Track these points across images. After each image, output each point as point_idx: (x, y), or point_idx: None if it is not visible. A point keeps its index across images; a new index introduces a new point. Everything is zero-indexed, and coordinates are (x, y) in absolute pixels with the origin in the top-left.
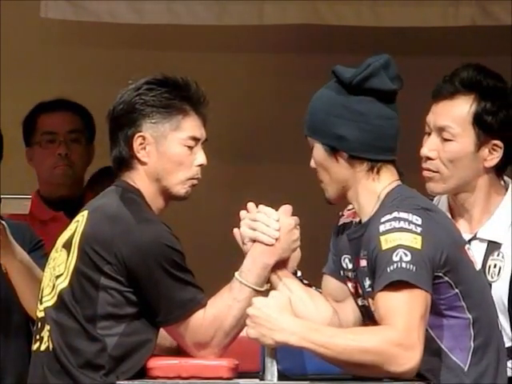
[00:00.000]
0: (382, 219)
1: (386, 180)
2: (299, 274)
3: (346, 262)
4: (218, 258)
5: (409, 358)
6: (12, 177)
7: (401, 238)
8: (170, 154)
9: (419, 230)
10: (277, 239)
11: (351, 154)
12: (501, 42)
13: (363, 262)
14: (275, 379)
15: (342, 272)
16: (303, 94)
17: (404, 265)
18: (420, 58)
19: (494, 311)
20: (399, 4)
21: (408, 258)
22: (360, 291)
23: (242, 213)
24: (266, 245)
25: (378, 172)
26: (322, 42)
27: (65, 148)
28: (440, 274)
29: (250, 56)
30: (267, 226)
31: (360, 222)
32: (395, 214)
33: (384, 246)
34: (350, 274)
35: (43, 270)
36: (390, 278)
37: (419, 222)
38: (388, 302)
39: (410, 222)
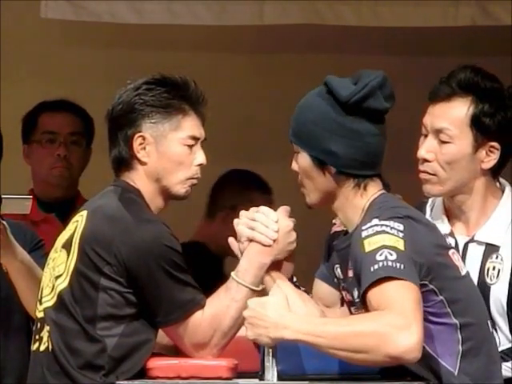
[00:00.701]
0: (364, 227)
1: (371, 192)
2: (295, 279)
3: (338, 272)
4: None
5: (406, 337)
6: (12, 177)
7: (384, 239)
8: (170, 154)
9: (401, 234)
10: (274, 240)
11: (340, 170)
12: (501, 42)
13: (350, 273)
14: (275, 379)
15: (335, 280)
16: (304, 95)
17: (390, 263)
18: (420, 57)
19: (484, 314)
20: (399, 4)
21: (394, 257)
22: (352, 301)
23: (241, 212)
24: (263, 245)
25: (365, 187)
26: (322, 41)
27: (64, 149)
28: (425, 282)
29: (250, 56)
30: (266, 227)
31: (347, 232)
32: (376, 222)
33: (367, 249)
34: (341, 283)
35: (44, 270)
36: (375, 276)
37: (401, 228)
38: (379, 296)
39: (392, 228)
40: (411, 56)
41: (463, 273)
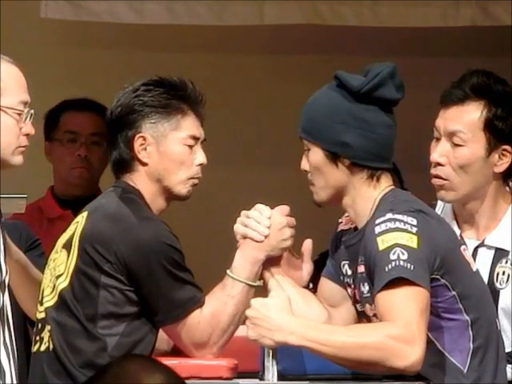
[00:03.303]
0: (377, 221)
1: (383, 185)
2: (311, 286)
3: (346, 269)
4: (217, 259)
5: (410, 352)
6: (12, 177)
7: (397, 237)
8: (171, 154)
9: (414, 230)
10: (266, 236)
11: (354, 161)
12: (501, 42)
13: (361, 268)
14: (275, 379)
15: (342, 278)
16: (303, 95)
17: (402, 263)
18: (420, 58)
19: (493, 311)
20: (399, 4)
21: (405, 257)
22: (358, 297)
23: (242, 212)
24: (255, 241)
25: (377, 180)
26: (321, 41)
27: (85, 150)
28: (437, 277)
29: (251, 57)
30: (258, 223)
31: (356, 228)
32: (390, 216)
33: (381, 247)
34: (349, 280)
35: (40, 270)
36: (389, 276)
37: (414, 222)
38: (387, 301)
39: (406, 223)
40: (411, 56)
41: (474, 269)
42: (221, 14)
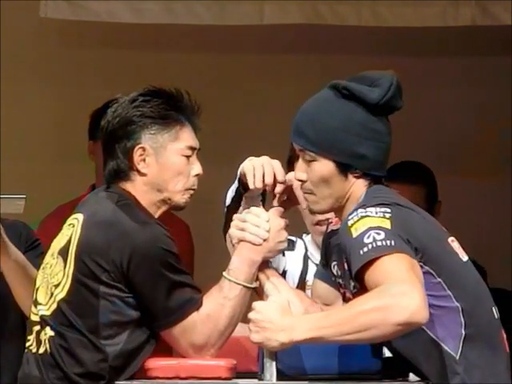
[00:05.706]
0: (349, 216)
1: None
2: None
3: (336, 269)
4: (217, 259)
5: (407, 301)
6: (12, 177)
7: (369, 221)
8: (170, 165)
9: (388, 215)
10: (265, 240)
11: (367, 172)
12: (501, 42)
13: (346, 266)
14: (274, 379)
15: (334, 278)
16: (303, 95)
17: (379, 243)
18: (420, 58)
19: (488, 300)
20: (399, 4)
21: (382, 237)
22: (348, 296)
23: (234, 215)
24: (254, 244)
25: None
26: (322, 42)
27: None
28: (420, 264)
29: (250, 56)
30: (257, 227)
31: None
32: (361, 210)
33: (354, 234)
34: (340, 280)
35: (38, 271)
36: (367, 257)
37: (388, 211)
38: (374, 275)
39: (378, 212)
40: (411, 56)
41: (464, 259)
42: (220, 13)
